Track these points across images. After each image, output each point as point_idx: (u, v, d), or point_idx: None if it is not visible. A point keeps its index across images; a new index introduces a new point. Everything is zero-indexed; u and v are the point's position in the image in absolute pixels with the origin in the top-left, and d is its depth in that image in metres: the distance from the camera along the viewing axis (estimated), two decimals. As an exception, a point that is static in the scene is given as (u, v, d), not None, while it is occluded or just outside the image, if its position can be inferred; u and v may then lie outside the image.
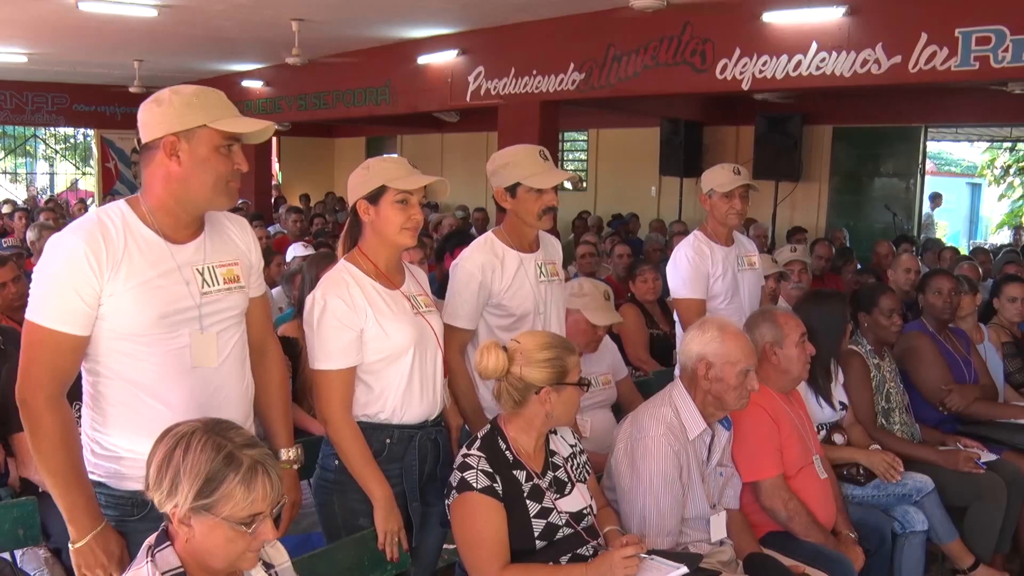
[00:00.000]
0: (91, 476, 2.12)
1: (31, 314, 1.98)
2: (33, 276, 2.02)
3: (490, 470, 2.38)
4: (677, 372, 2.97)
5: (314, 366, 2.48)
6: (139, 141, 2.08)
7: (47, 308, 1.97)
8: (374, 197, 2.47)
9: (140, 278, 2.02)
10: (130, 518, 2.07)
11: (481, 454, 2.41)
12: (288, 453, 2.42)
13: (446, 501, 2.46)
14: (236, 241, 2.26)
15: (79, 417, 2.63)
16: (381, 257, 2.53)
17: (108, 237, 2.00)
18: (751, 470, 3.00)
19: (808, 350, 3.14)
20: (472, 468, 2.38)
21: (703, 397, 2.79)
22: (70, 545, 2.03)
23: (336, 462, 2.51)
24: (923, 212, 11.35)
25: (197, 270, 2.12)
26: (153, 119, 2.05)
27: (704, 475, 2.82)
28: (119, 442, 2.08)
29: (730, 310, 3.76)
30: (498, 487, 2.37)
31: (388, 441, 2.52)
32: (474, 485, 2.36)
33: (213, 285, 2.14)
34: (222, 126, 2.04)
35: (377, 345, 2.47)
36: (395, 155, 2.50)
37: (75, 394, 2.11)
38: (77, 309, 1.97)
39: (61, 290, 1.96)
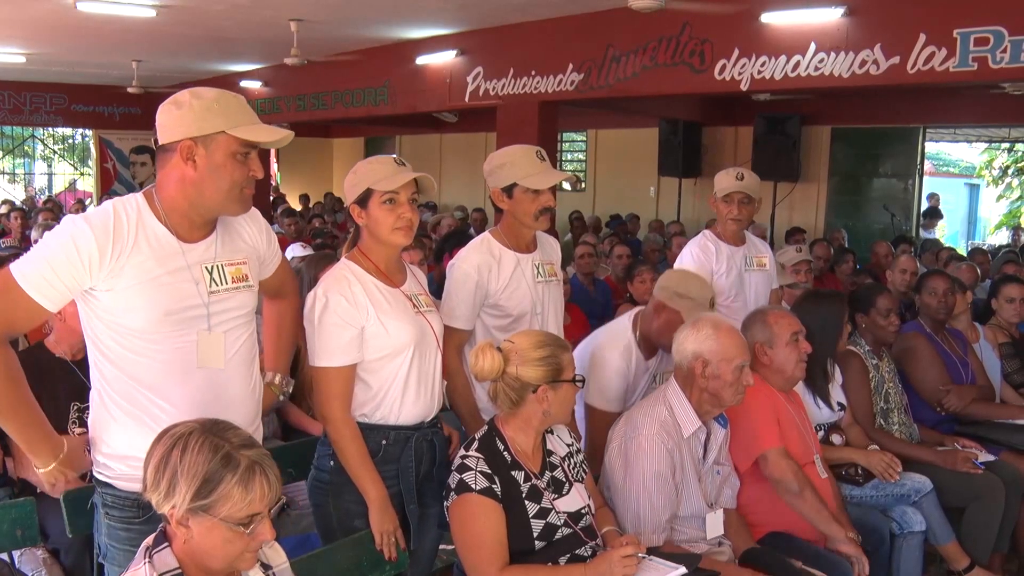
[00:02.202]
0: (98, 477, 2.13)
1: (15, 266, 1.98)
2: (43, 236, 2.04)
3: (489, 471, 2.38)
4: None
5: (314, 363, 2.47)
6: (156, 141, 2.08)
7: (29, 271, 1.97)
8: (363, 200, 2.47)
9: (148, 275, 2.02)
10: (135, 520, 2.07)
11: (479, 455, 2.42)
12: (276, 377, 2.50)
13: (444, 503, 2.46)
14: (246, 238, 2.25)
15: (80, 419, 2.63)
16: (381, 257, 2.53)
17: (119, 232, 2.00)
18: (754, 443, 3.00)
19: (802, 349, 3.14)
20: (471, 470, 2.39)
21: (699, 395, 2.80)
22: (36, 469, 2.08)
23: (331, 463, 2.51)
24: (922, 213, 11.36)
25: (206, 268, 2.12)
26: (171, 121, 2.03)
27: (700, 473, 2.83)
28: (125, 441, 2.08)
29: (734, 308, 3.78)
30: (497, 488, 2.37)
31: (384, 442, 2.52)
32: (473, 487, 2.36)
33: (221, 284, 2.14)
34: (240, 133, 2.03)
35: (378, 343, 2.46)
36: (383, 155, 2.47)
37: (75, 394, 2.12)
38: (56, 288, 1.97)
39: (51, 264, 1.96)
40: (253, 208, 2.32)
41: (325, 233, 8.62)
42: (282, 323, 2.54)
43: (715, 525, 2.84)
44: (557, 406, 2.45)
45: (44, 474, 2.08)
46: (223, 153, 2.03)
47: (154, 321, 2.03)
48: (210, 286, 2.12)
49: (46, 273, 1.96)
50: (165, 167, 2.07)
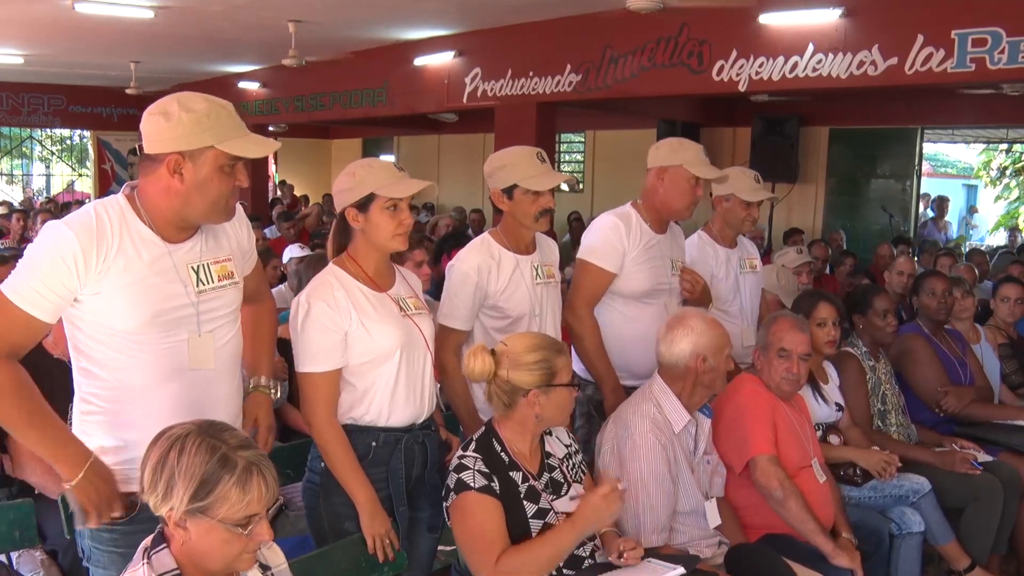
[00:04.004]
0: None
1: (5, 285, 1.97)
2: (24, 252, 2.02)
3: (487, 470, 2.38)
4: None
5: (299, 369, 2.48)
6: (140, 147, 2.05)
7: (20, 286, 1.95)
8: (363, 205, 2.46)
9: (134, 276, 2.01)
10: (118, 521, 2.06)
11: (477, 455, 2.42)
12: (262, 379, 2.47)
13: (444, 504, 2.46)
14: (229, 233, 2.25)
15: (70, 417, 2.61)
16: (371, 261, 2.53)
17: (102, 233, 1.98)
18: (745, 447, 3.01)
19: (788, 367, 3.12)
20: (469, 469, 2.38)
21: (691, 389, 2.82)
22: (66, 486, 2.00)
23: (322, 464, 2.50)
24: (920, 213, 11.37)
25: (192, 268, 2.11)
26: (159, 133, 2.00)
27: (693, 466, 2.84)
28: (109, 443, 2.06)
29: (732, 311, 3.77)
30: (495, 486, 2.37)
31: (373, 444, 2.51)
32: (471, 484, 2.36)
33: (208, 283, 2.14)
34: (229, 148, 2.02)
35: (362, 347, 2.46)
36: (378, 159, 2.47)
37: (68, 395, 2.12)
38: (48, 298, 1.96)
39: (40, 276, 1.95)
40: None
41: (323, 235, 8.61)
42: (259, 326, 2.51)
43: (713, 514, 2.87)
44: (550, 410, 2.44)
45: (75, 489, 1.99)
46: (211, 167, 2.02)
47: (142, 322, 2.02)
48: (197, 286, 2.11)
49: (36, 285, 1.94)
50: (150, 175, 2.05)
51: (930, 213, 12.38)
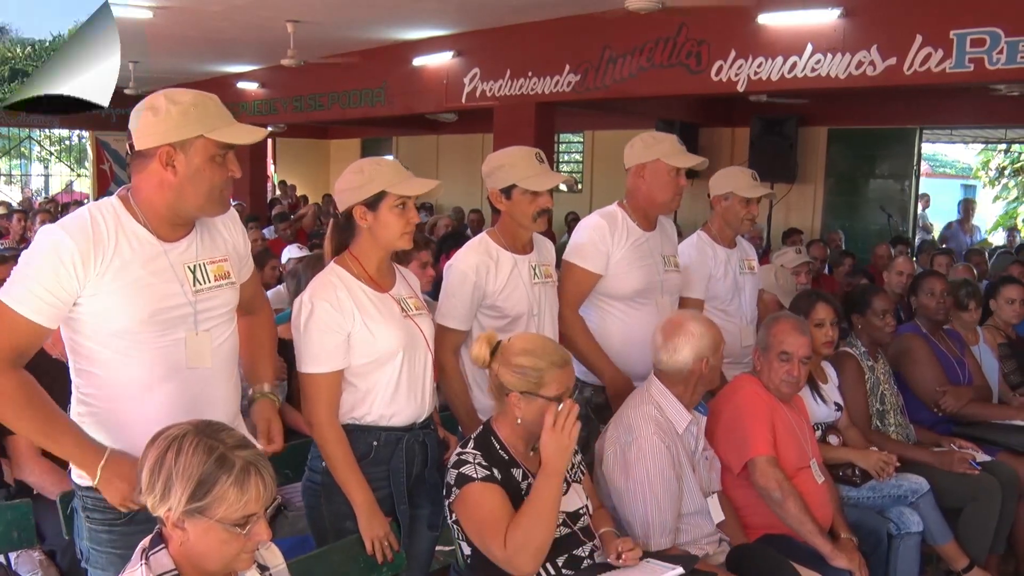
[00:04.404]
0: (78, 481, 2.11)
1: (3, 292, 1.97)
2: (20, 258, 2.01)
3: (486, 463, 2.38)
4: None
5: (301, 369, 2.48)
6: (131, 147, 2.06)
7: (19, 292, 1.95)
8: (373, 203, 2.45)
9: (130, 276, 2.01)
10: (117, 522, 2.06)
11: (476, 451, 2.42)
12: (270, 387, 2.45)
13: (447, 501, 2.45)
14: (224, 234, 2.25)
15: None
16: (373, 261, 2.52)
17: (99, 237, 1.99)
18: (745, 448, 3.00)
19: (787, 370, 3.11)
20: (469, 463, 2.38)
21: (693, 388, 2.82)
22: (92, 485, 2.01)
23: (323, 464, 2.51)
24: (919, 213, 11.37)
25: (189, 268, 2.11)
26: (148, 127, 2.03)
27: (694, 464, 2.85)
28: (107, 443, 2.05)
29: (731, 310, 3.76)
30: (497, 476, 2.37)
31: (375, 444, 2.51)
32: (474, 476, 2.36)
33: (204, 283, 2.14)
34: (218, 136, 2.03)
35: (364, 348, 2.46)
36: (387, 157, 2.49)
37: (67, 396, 2.11)
38: (48, 303, 1.95)
39: (38, 281, 1.95)
40: (231, 208, 2.32)
41: (321, 235, 8.60)
42: (257, 335, 2.49)
43: (717, 510, 2.88)
44: (530, 417, 2.39)
45: (99, 488, 2.01)
46: (202, 157, 2.03)
47: (140, 322, 2.02)
48: (194, 285, 2.11)
49: (36, 291, 1.94)
50: (142, 172, 2.06)
51: (929, 217, 12.38)
